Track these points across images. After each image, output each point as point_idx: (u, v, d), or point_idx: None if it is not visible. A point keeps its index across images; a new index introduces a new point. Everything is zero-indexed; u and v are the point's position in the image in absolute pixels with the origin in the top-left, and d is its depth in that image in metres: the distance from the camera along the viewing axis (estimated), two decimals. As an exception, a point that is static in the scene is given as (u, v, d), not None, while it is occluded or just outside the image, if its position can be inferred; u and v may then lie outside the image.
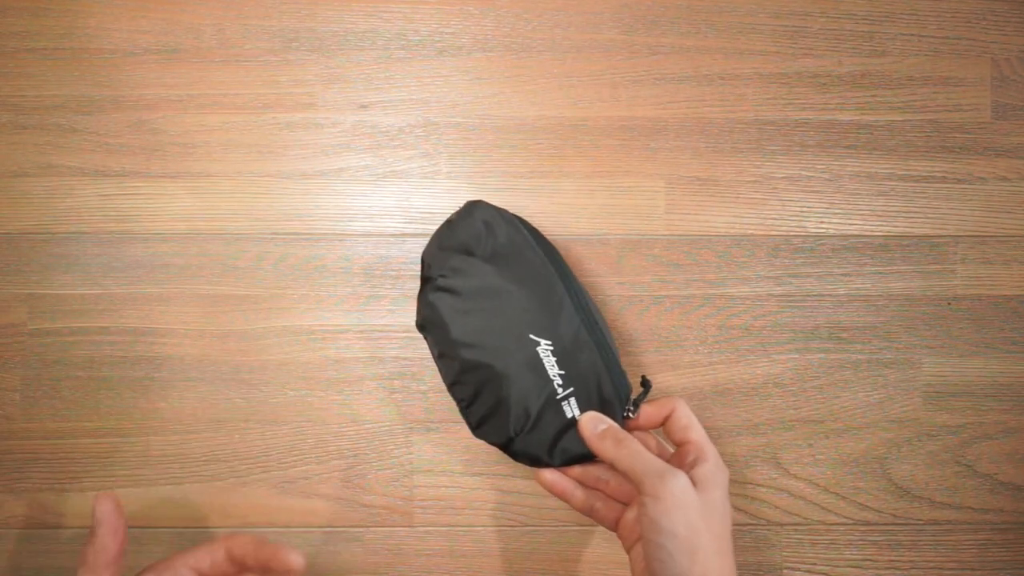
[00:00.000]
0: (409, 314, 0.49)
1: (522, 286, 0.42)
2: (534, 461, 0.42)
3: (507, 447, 0.42)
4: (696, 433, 0.41)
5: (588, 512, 0.43)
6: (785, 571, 0.50)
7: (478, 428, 0.43)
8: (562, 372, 0.42)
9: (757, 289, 0.51)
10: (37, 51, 0.50)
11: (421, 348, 0.50)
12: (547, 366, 0.41)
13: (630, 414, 0.42)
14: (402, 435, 0.50)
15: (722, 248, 0.51)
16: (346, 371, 0.50)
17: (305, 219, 0.50)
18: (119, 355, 0.50)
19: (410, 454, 0.50)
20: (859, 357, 0.51)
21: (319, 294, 0.50)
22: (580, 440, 0.42)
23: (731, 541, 0.38)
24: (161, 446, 0.50)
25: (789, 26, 0.51)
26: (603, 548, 0.50)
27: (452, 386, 0.43)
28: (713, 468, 0.39)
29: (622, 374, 0.43)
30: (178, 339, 0.50)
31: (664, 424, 0.42)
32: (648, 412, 0.42)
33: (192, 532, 0.49)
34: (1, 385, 0.49)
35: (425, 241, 0.50)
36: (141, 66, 0.50)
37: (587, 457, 0.42)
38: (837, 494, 0.50)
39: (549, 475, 0.43)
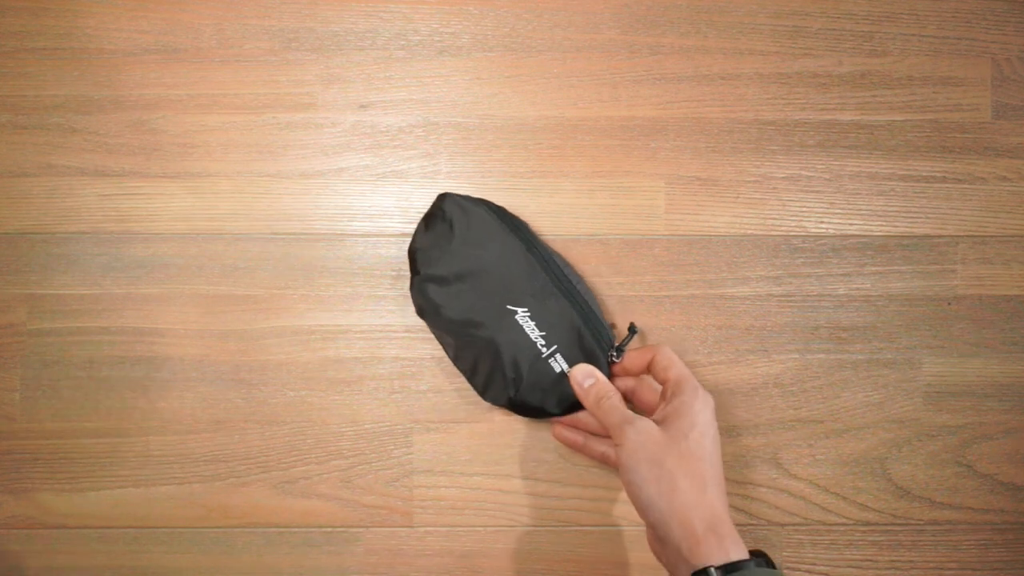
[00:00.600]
0: (409, 314, 0.50)
1: (496, 263, 0.46)
2: (539, 412, 0.47)
3: (511, 406, 0.47)
4: (675, 371, 0.44)
5: (601, 459, 0.47)
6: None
7: (485, 393, 0.47)
8: (543, 333, 0.46)
9: (757, 289, 0.51)
10: (37, 51, 0.50)
11: (421, 348, 0.50)
12: (527, 330, 0.46)
13: (614, 358, 0.46)
14: (402, 435, 0.50)
15: (722, 248, 0.51)
16: (346, 371, 0.50)
17: (305, 219, 0.50)
18: (119, 355, 0.50)
19: (410, 454, 0.50)
20: (859, 357, 0.51)
21: (319, 294, 0.50)
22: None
23: (710, 461, 0.41)
24: (161, 446, 0.49)
25: (789, 26, 0.51)
26: (603, 548, 0.50)
27: (455, 361, 0.48)
28: (687, 399, 0.42)
29: (601, 323, 0.46)
30: (178, 339, 0.50)
31: (649, 368, 0.46)
32: (632, 357, 0.46)
33: (192, 532, 0.49)
34: (1, 385, 0.49)
35: (425, 241, 0.50)
36: (141, 66, 0.50)
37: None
38: (837, 494, 0.50)
39: (561, 429, 0.48)
